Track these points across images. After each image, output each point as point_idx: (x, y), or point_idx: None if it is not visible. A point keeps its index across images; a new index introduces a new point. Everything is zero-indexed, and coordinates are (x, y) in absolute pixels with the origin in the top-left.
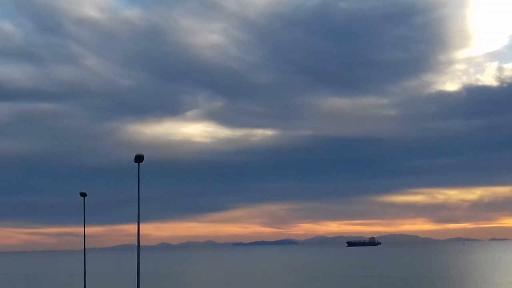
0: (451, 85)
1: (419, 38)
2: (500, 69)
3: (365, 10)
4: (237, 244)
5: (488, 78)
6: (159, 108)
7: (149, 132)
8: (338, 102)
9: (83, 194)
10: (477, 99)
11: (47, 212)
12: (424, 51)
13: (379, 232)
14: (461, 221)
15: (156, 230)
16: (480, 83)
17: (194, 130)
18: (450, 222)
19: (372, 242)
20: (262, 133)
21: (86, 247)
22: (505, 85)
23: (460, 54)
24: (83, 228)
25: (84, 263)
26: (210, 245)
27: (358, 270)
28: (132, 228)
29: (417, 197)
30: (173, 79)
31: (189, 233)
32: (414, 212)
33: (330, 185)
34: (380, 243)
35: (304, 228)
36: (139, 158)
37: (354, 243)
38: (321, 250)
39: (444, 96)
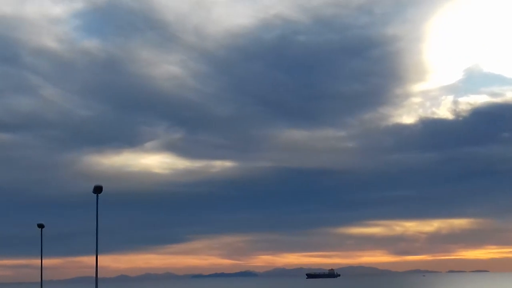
0: (407, 118)
1: (376, 72)
2: (455, 102)
3: (322, 43)
4: (197, 276)
5: (443, 111)
6: (118, 139)
7: (107, 163)
8: (296, 134)
9: (40, 226)
10: (433, 131)
11: (2, 243)
12: (381, 84)
13: (338, 264)
14: (419, 253)
15: (114, 262)
16: (436, 116)
17: (153, 161)
18: (409, 254)
19: (331, 274)
20: (221, 165)
21: (43, 279)
22: (460, 118)
23: (416, 87)
24: (40, 260)
25: None
26: (169, 277)
27: None
28: (90, 260)
29: (375, 229)
30: (131, 110)
31: (148, 264)
32: (372, 244)
33: (289, 217)
34: (339, 275)
35: (264, 260)
36: (97, 189)
37: (313, 275)
38: (281, 281)
39: (401, 129)
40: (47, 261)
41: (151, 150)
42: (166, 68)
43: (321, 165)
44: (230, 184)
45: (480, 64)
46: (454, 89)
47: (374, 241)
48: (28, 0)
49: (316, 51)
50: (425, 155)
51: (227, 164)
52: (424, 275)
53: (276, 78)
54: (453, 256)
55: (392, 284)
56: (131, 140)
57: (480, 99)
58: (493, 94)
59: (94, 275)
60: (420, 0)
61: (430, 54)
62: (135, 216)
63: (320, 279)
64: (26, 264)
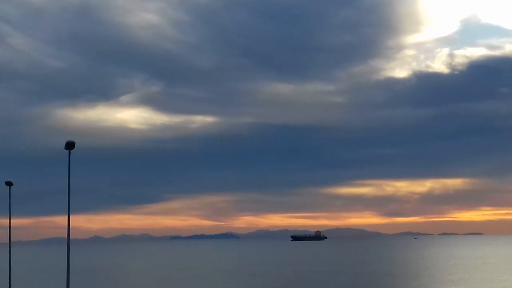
0: (400, 72)
1: (368, 22)
2: (451, 55)
3: None
4: (175, 238)
5: (438, 64)
6: (92, 92)
7: (81, 118)
8: (282, 88)
9: (8, 183)
10: (427, 86)
11: None
12: (373, 35)
13: (325, 226)
14: (410, 214)
15: (87, 223)
16: (430, 70)
17: (129, 116)
18: (399, 215)
19: (317, 236)
20: (201, 120)
21: (12, 240)
22: (456, 72)
23: (410, 39)
24: (8, 220)
25: (10, 257)
26: (146, 239)
27: (303, 265)
28: (62, 220)
29: (365, 189)
30: (106, 61)
31: (123, 225)
32: (361, 205)
33: (273, 176)
34: (326, 237)
35: (246, 221)
36: (69, 145)
37: (298, 237)
38: (264, 244)
39: (393, 83)
40: (16, 221)
41: (127, 104)
42: (143, 16)
43: (308, 121)
44: (211, 140)
45: (477, 14)
46: (450, 41)
47: (363, 201)
48: None
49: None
50: (418, 111)
51: (208, 119)
52: (415, 238)
53: (261, 28)
54: (446, 218)
55: (382, 247)
56: (105, 93)
57: (477, 52)
58: (491, 47)
59: (66, 236)
60: None
61: (425, 4)
62: (109, 174)
63: (305, 241)
64: None
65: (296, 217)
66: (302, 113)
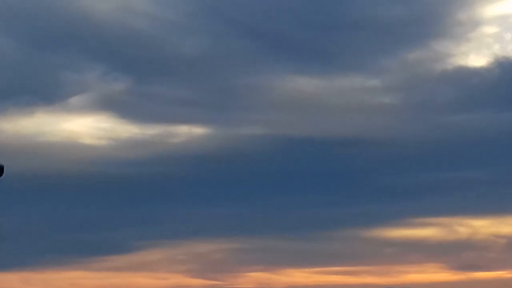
0: (476, 59)
1: None
2: None
3: None
4: None
5: None
6: (26, 92)
7: (10, 130)
8: (304, 84)
9: None
10: None
11: None
12: (436, 6)
13: (370, 285)
14: (494, 268)
15: (22, 283)
16: None
17: (81, 127)
18: (478, 269)
19: None
20: (186, 132)
21: None
22: None
23: (489, 11)
24: None
25: None
26: None
27: None
28: None
29: (427, 231)
30: (48, 47)
31: (73, 287)
32: (422, 255)
33: (292, 212)
34: None
35: (255, 280)
36: None
37: None
38: None
39: (467, 75)
40: None
41: (79, 109)
42: None
43: (342, 132)
44: (200, 161)
45: None
46: None
47: (424, 249)
48: None
49: None
50: (504, 115)
51: (197, 130)
52: None
53: None
54: None
55: None
56: (47, 94)
57: None
58: None
59: None
60: None
61: None
62: (54, 212)
63: None
64: None
65: (327, 273)
66: (332, 120)
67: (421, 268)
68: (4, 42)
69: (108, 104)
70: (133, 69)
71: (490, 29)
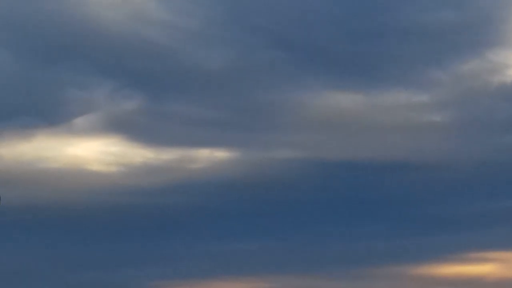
0: None
1: None
2: None
3: None
4: None
5: None
6: (26, 112)
7: (7, 155)
8: (342, 100)
9: None
10: None
11: None
12: (492, 11)
13: None
14: None
15: None
16: None
17: (88, 151)
18: None
19: None
20: (208, 156)
21: None
22: None
23: None
24: None
25: None
26: None
27: None
28: None
29: (485, 267)
30: (49, 60)
31: None
32: None
33: (330, 247)
34: None
35: None
36: None
37: None
38: None
39: None
40: None
41: (85, 132)
42: None
43: (386, 155)
44: (223, 189)
45: None
46: None
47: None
48: None
49: None
50: None
51: (220, 154)
52: None
53: (305, 3)
54: None
55: None
56: (49, 114)
57: None
58: None
59: None
60: None
61: None
62: (56, 249)
63: None
64: None
65: None
66: (374, 141)
67: None
68: (0, 55)
69: (118, 126)
70: (146, 85)
71: None
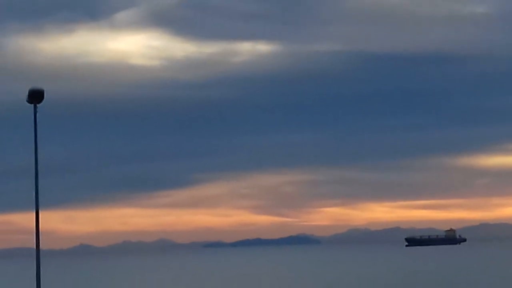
0: None
1: None
2: None
3: None
4: (213, 245)
5: None
6: (65, 7)
7: (49, 50)
8: None
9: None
10: None
11: None
12: None
13: (463, 221)
14: None
15: (68, 223)
16: None
17: (130, 45)
18: None
19: (450, 237)
20: (250, 49)
21: None
22: None
23: None
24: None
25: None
26: (164, 247)
27: None
28: (24, 219)
29: None
30: None
31: (126, 226)
32: None
33: (373, 139)
34: (465, 240)
35: (330, 216)
36: (36, 95)
37: (418, 240)
38: (362, 253)
39: None
40: None
41: (127, 26)
42: None
43: (429, 47)
44: (266, 83)
45: None
46: None
47: None
48: None
49: None
50: None
51: (262, 47)
52: None
53: None
54: None
55: None
56: (89, 9)
57: None
58: None
59: (35, 246)
60: None
61: None
62: (100, 142)
63: (431, 246)
64: None
65: (412, 207)
66: (417, 33)
67: None
68: None
69: (160, 19)
70: None
71: None
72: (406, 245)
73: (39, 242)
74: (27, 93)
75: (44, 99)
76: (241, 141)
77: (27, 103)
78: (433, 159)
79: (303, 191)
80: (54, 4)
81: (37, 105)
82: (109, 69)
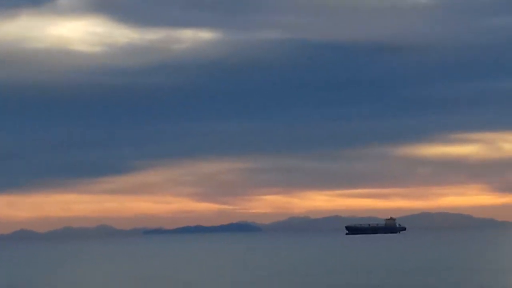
0: None
1: None
2: None
3: None
4: (153, 232)
5: None
6: None
7: None
8: None
9: None
10: None
11: None
12: None
13: (403, 210)
14: None
15: (9, 208)
16: None
17: (72, 31)
18: None
19: (390, 226)
20: (192, 37)
21: None
22: None
23: None
24: None
25: None
26: (105, 233)
27: (371, 277)
28: None
29: (468, 148)
30: None
31: (67, 212)
32: (463, 175)
33: (314, 127)
34: (404, 229)
35: (270, 203)
36: None
37: (358, 228)
38: (302, 240)
39: None
40: None
41: (70, 12)
42: None
43: (370, 37)
44: (207, 70)
45: None
46: None
47: (465, 168)
48: None
49: None
50: None
51: (203, 35)
52: None
53: None
54: None
55: (502, 245)
56: None
57: None
58: None
59: None
60: None
61: None
62: (41, 128)
63: (370, 235)
64: None
65: (353, 196)
66: (359, 22)
67: (460, 190)
68: None
69: (103, 6)
70: None
71: None
72: (346, 233)
73: None
74: None
75: None
76: (183, 128)
77: None
78: (373, 148)
79: (244, 179)
80: None
81: None
82: (51, 55)
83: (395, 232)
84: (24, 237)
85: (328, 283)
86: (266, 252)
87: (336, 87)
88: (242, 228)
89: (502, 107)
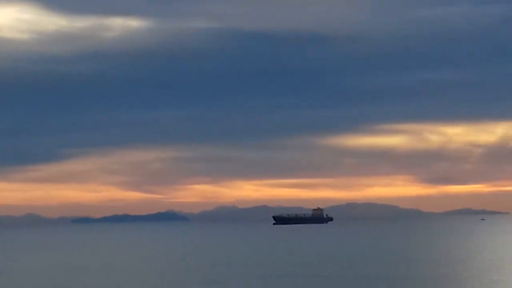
0: None
1: None
2: None
3: None
4: (80, 220)
5: None
6: None
7: None
8: None
9: None
10: None
11: None
12: None
13: (330, 200)
14: (470, 181)
15: None
16: None
17: (0, 18)
18: (452, 182)
19: (317, 216)
20: (121, 24)
21: None
22: None
23: None
24: None
25: None
26: (31, 222)
27: (296, 267)
28: None
29: (394, 139)
30: None
31: None
32: (389, 166)
33: (242, 117)
34: (331, 219)
35: (198, 193)
36: None
37: (285, 218)
38: (229, 230)
39: None
40: None
41: None
42: None
43: (300, 27)
44: (137, 58)
45: None
46: None
47: (392, 159)
48: None
49: None
50: (487, 8)
51: (133, 23)
52: (483, 219)
53: None
54: None
55: (426, 235)
56: None
57: None
58: None
59: None
60: None
61: None
62: None
63: (297, 225)
64: None
65: (280, 186)
66: (289, 12)
67: (387, 180)
68: None
69: None
70: None
71: None
72: (274, 223)
73: None
74: None
75: None
76: (111, 116)
77: None
78: (301, 139)
79: (172, 168)
80: None
81: None
82: None
83: (322, 222)
84: None
85: (254, 273)
86: (193, 242)
87: (266, 77)
88: (170, 217)
89: (429, 98)
